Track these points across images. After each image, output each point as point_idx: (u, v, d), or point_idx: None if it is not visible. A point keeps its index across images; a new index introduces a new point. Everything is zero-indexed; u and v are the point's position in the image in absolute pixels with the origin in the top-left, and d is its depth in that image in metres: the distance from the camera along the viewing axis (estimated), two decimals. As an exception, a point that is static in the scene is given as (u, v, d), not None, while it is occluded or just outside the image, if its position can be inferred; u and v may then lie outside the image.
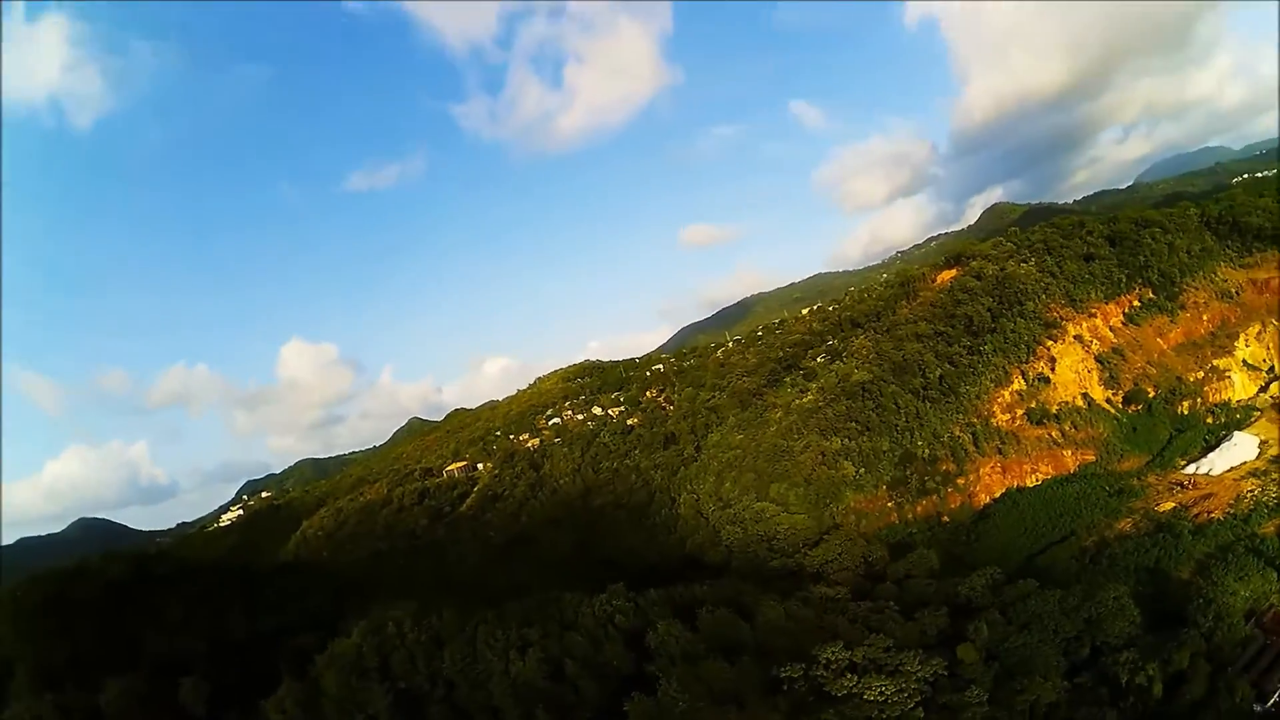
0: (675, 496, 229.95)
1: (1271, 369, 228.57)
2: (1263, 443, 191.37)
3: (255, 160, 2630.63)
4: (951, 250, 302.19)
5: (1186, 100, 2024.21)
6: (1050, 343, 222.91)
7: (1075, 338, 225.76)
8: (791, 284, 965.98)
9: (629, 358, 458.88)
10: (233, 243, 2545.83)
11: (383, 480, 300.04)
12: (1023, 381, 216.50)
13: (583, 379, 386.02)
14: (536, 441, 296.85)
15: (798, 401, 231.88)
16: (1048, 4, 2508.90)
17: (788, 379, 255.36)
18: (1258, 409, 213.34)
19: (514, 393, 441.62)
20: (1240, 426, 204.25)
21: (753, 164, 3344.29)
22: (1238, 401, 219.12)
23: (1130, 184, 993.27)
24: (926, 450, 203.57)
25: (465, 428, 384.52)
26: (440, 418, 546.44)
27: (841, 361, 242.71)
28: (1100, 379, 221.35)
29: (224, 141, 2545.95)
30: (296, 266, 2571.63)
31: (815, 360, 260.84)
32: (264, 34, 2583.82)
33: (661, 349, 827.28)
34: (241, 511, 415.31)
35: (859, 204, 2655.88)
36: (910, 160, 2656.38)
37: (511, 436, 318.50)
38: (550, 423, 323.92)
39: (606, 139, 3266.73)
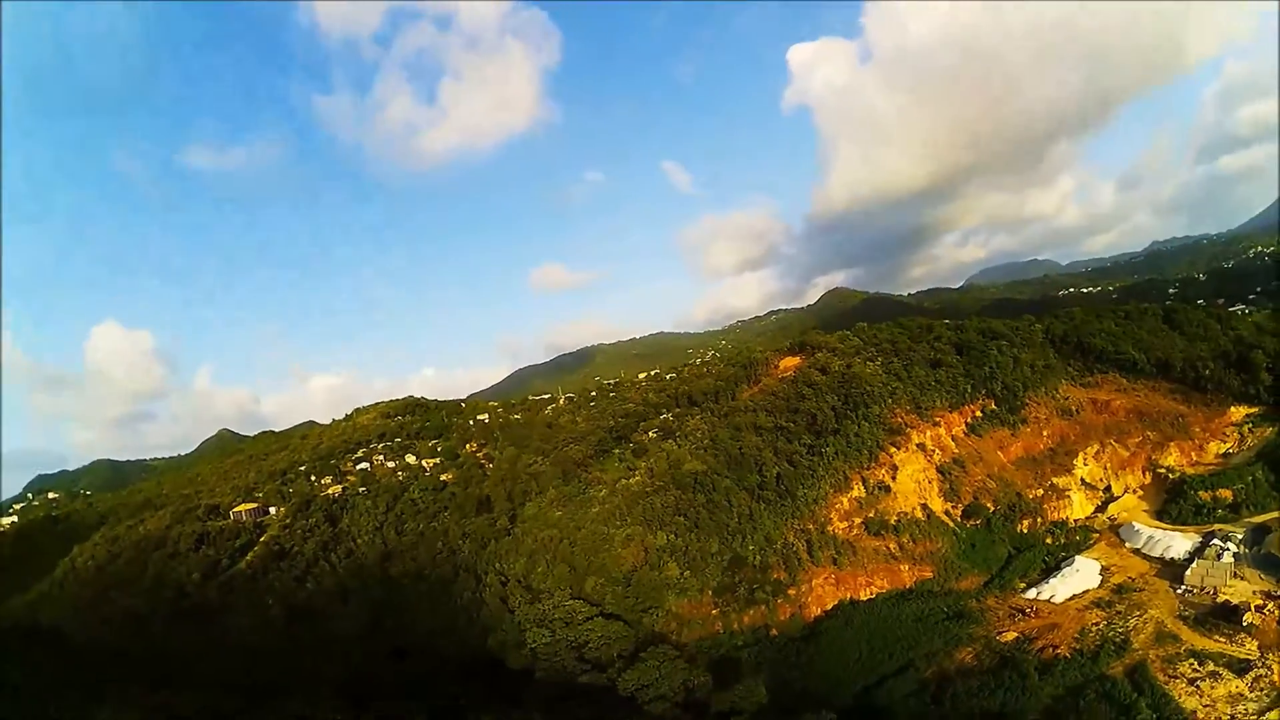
0: (482, 575, 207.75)
1: (1108, 488, 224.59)
2: (1104, 569, 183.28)
3: (86, 115, 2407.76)
4: (791, 327, 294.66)
5: (1026, 215, 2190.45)
6: (893, 449, 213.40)
7: (918, 445, 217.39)
8: (634, 339, 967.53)
9: (456, 398, 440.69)
10: (55, 202, 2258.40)
11: (168, 509, 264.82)
12: (862, 489, 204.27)
13: (404, 417, 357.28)
14: (339, 489, 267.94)
15: (624, 482, 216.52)
16: (916, 111, 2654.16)
17: (616, 451, 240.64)
18: (1096, 530, 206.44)
19: (333, 421, 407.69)
20: (1080, 549, 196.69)
21: (615, 215, 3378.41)
22: (1075, 521, 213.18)
23: (962, 284, 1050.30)
24: (758, 556, 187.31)
25: (270, 455, 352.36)
26: (254, 432, 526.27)
27: (675, 441, 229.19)
28: (941, 490, 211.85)
29: (54, 85, 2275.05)
30: (122, 240, 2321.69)
31: (647, 435, 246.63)
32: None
33: (497, 388, 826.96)
34: (17, 517, 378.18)
35: (710, 270, 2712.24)
36: (764, 236, 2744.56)
37: (314, 478, 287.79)
38: (359, 467, 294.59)
39: (472, 163, 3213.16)
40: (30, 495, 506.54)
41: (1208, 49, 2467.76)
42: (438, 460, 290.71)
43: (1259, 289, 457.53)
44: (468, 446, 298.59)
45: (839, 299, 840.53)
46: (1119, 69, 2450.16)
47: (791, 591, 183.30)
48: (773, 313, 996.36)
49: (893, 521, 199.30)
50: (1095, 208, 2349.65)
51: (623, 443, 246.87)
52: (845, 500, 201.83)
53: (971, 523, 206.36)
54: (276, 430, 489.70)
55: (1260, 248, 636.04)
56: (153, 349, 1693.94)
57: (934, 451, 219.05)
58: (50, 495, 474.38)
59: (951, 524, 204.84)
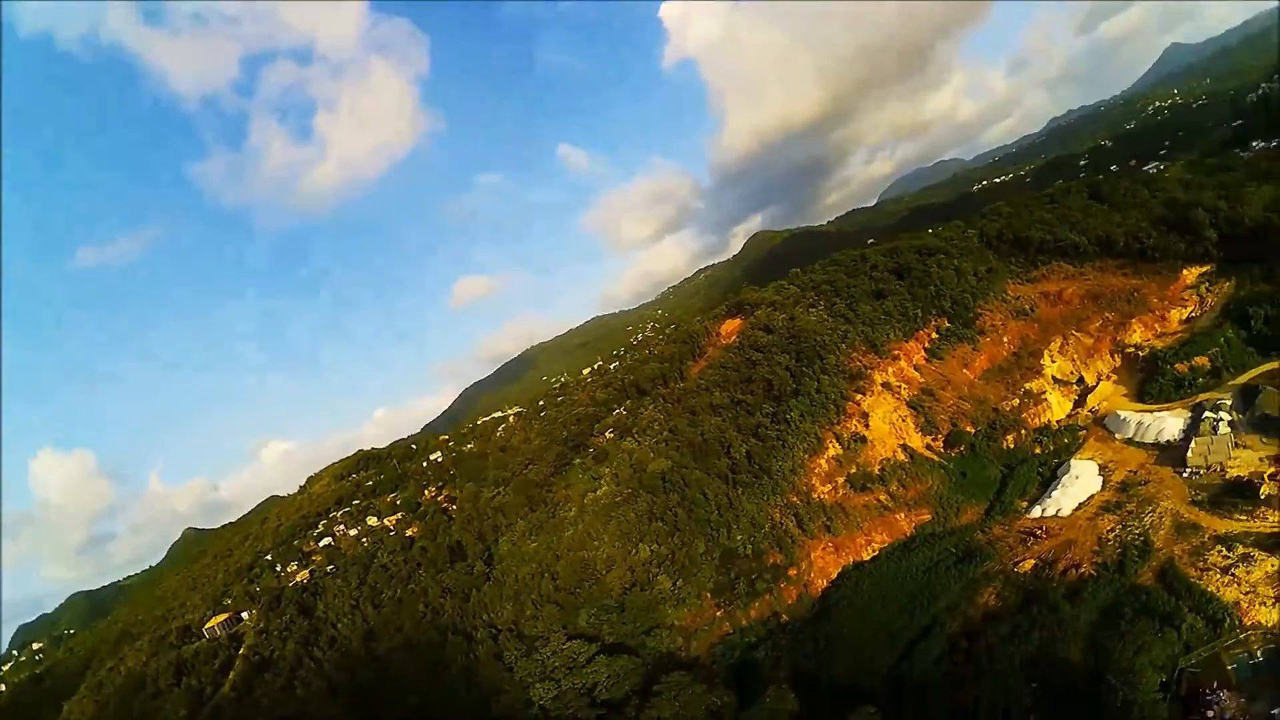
0: (471, 633, 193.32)
1: (1080, 380, 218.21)
2: (1102, 468, 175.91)
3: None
4: (720, 281, 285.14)
5: (925, 120, 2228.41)
6: (859, 396, 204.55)
7: (883, 385, 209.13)
8: (570, 330, 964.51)
9: (411, 434, 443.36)
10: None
11: (144, 639, 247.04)
12: (838, 445, 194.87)
13: (358, 474, 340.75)
14: (306, 574, 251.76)
15: (591, 495, 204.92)
16: (797, 41, 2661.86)
17: (577, 462, 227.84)
18: (1082, 428, 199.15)
19: (290, 496, 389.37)
20: (1071, 452, 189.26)
21: (521, 212, 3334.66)
22: (1058, 422, 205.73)
23: (877, 201, 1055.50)
24: (748, 545, 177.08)
25: (234, 551, 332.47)
26: (219, 523, 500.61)
27: (634, 439, 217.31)
28: (917, 425, 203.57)
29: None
30: (36, 363, 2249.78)
31: (604, 437, 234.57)
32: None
33: (448, 413, 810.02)
34: (3, 684, 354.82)
35: (629, 243, 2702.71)
36: (674, 197, 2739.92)
37: (279, 567, 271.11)
38: (322, 544, 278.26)
39: (365, 191, 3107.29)
40: (16, 652, 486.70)
41: None
42: (400, 515, 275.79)
43: (1167, 143, 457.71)
44: (427, 492, 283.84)
45: (762, 243, 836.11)
46: None
47: (792, 572, 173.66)
48: (700, 271, 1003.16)
49: (876, 471, 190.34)
50: (990, 97, 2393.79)
51: (581, 450, 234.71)
52: (823, 461, 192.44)
53: (956, 451, 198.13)
54: (238, 517, 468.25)
55: (1158, 102, 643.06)
56: (96, 466, 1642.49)
57: (900, 387, 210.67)
58: (35, 646, 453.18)
59: (936, 458, 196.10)
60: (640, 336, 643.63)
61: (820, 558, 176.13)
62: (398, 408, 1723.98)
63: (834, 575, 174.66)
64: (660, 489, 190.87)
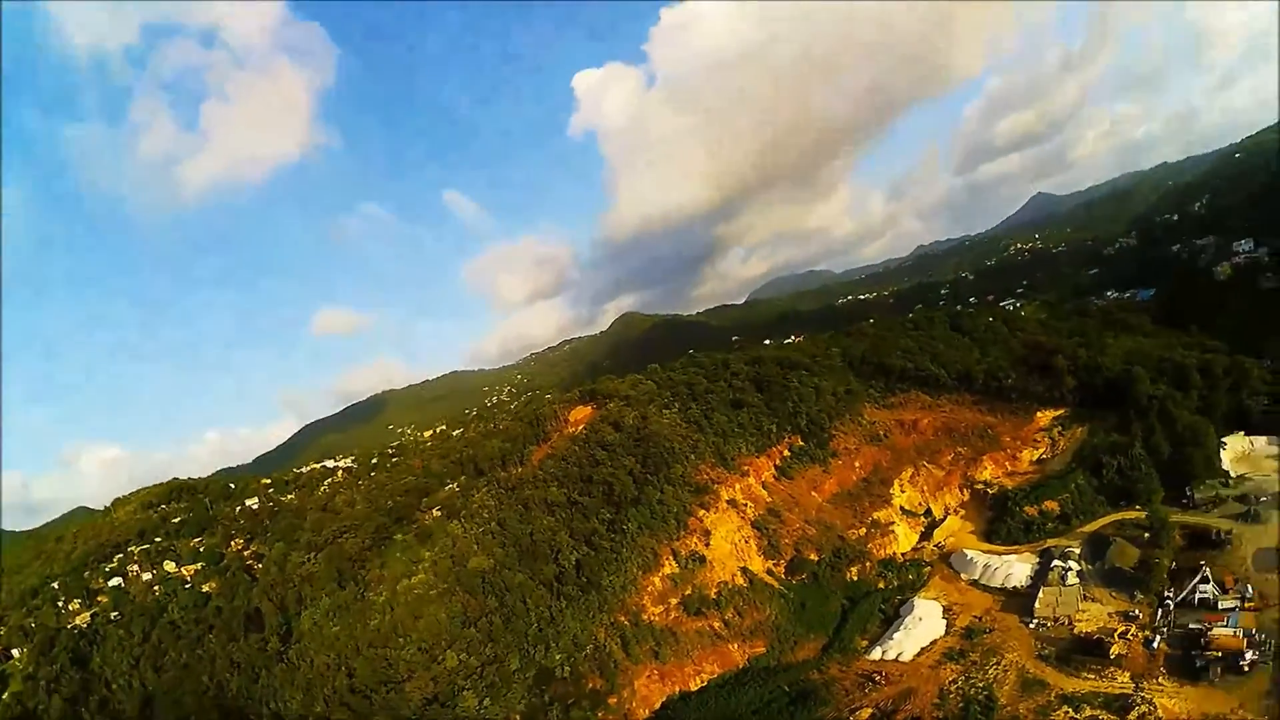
0: None
1: (928, 512, 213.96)
2: (947, 610, 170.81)
3: None
4: (584, 355, 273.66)
5: (806, 229, 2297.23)
6: (703, 512, 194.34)
7: (729, 502, 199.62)
8: (426, 381, 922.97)
9: (229, 475, 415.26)
10: None
11: None
12: (674, 563, 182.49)
13: (167, 506, 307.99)
14: (88, 617, 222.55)
15: (405, 583, 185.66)
16: (699, 133, 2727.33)
17: (398, 538, 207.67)
18: (926, 563, 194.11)
19: (96, 516, 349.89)
20: (915, 588, 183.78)
21: (398, 250, 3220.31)
22: (903, 555, 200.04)
23: (746, 299, 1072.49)
24: (567, 666, 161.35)
25: (24, 568, 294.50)
26: (29, 525, 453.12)
27: (460, 523, 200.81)
28: (760, 548, 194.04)
29: None
30: None
31: (431, 514, 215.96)
32: None
33: (285, 446, 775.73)
34: None
35: (502, 302, 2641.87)
36: (554, 263, 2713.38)
37: (61, 602, 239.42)
38: (112, 583, 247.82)
39: (241, 194, 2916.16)
40: None
41: (972, 69, 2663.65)
42: (200, 566, 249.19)
43: (1025, 282, 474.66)
44: (234, 543, 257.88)
45: (630, 324, 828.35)
46: (891, 85, 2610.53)
47: (612, 700, 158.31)
48: (566, 342, 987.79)
49: (713, 595, 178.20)
50: (868, 217, 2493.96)
51: (404, 525, 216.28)
52: (657, 580, 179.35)
53: (798, 579, 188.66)
54: (44, 523, 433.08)
55: (1019, 244, 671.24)
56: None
57: (746, 505, 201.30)
58: None
59: (777, 584, 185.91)
60: (495, 399, 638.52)
61: (644, 685, 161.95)
62: (233, 430, 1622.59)
63: (657, 706, 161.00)
64: (479, 590, 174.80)
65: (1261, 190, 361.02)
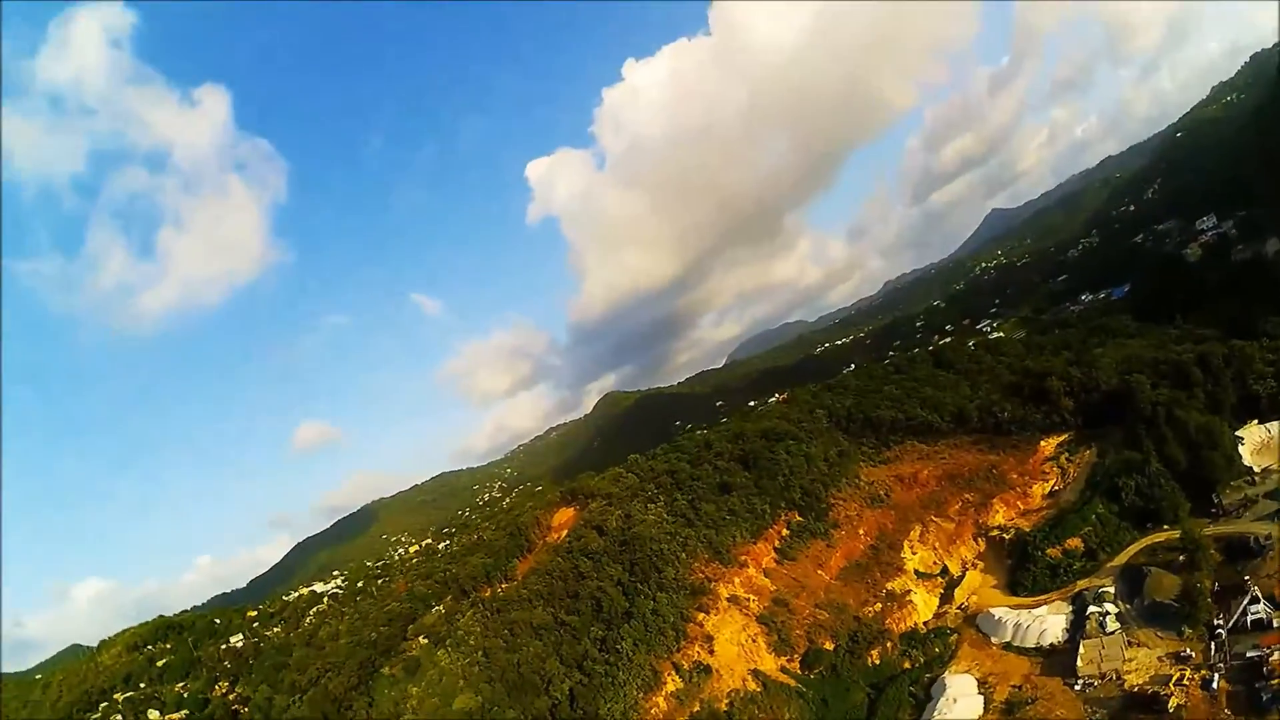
0: None
1: (944, 570, 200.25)
2: (982, 683, 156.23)
3: None
4: (571, 441, 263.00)
5: (772, 283, 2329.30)
6: (702, 615, 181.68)
7: (730, 599, 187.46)
8: (415, 485, 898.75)
9: (221, 598, 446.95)
10: None
11: None
12: (677, 679, 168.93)
13: (154, 646, 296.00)
14: None
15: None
16: (653, 207, 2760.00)
17: (385, 671, 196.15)
18: (952, 630, 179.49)
19: (86, 657, 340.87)
20: (944, 662, 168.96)
21: (370, 358, 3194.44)
22: (926, 624, 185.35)
23: (725, 362, 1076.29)
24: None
25: None
26: (22, 665, 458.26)
27: (448, 650, 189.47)
28: (769, 645, 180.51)
29: None
30: None
31: (418, 642, 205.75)
32: None
33: (280, 567, 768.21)
34: None
35: (482, 397, 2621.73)
36: (531, 352, 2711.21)
37: None
38: None
39: (206, 318, 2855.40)
40: None
41: (906, 104, 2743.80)
42: (185, 713, 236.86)
43: (997, 300, 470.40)
44: (218, 687, 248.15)
45: (613, 403, 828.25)
46: (831, 133, 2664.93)
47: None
48: (552, 429, 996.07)
49: (724, 707, 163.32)
50: (831, 263, 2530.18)
51: (390, 656, 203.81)
52: (661, 700, 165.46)
53: (815, 672, 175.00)
54: (38, 662, 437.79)
55: (983, 263, 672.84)
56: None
57: (749, 599, 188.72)
58: None
59: (794, 683, 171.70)
60: (486, 496, 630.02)
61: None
62: (225, 556, 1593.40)
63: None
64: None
65: (1214, 164, 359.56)
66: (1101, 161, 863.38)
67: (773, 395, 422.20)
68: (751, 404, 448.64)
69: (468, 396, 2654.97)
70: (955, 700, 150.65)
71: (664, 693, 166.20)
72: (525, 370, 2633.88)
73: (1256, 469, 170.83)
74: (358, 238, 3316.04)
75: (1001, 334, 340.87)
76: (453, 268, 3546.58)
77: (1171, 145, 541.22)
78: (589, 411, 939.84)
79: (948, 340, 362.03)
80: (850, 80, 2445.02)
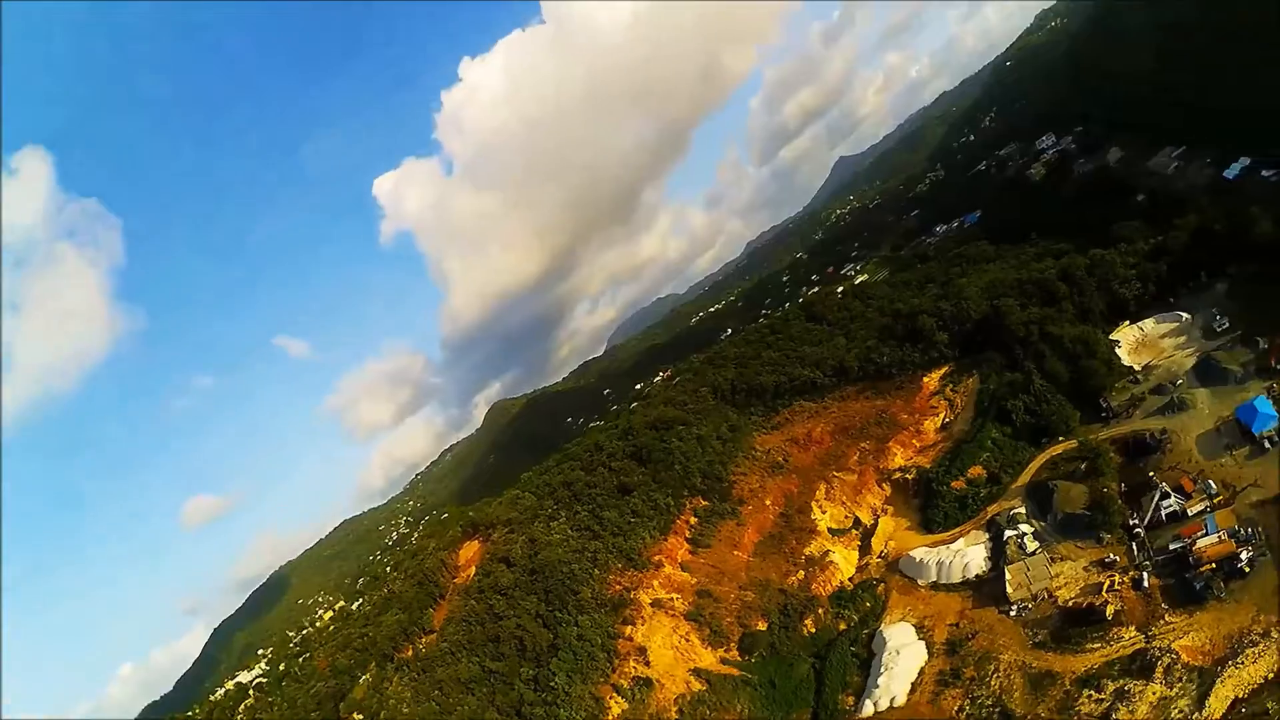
0: None
1: (856, 523, 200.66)
2: (920, 628, 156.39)
3: None
4: (467, 459, 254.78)
5: (639, 262, 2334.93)
6: (629, 629, 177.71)
7: (654, 604, 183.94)
8: (320, 540, 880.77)
9: (152, 707, 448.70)
10: None
11: None
12: (620, 699, 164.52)
13: None
14: None
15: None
16: (509, 203, 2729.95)
17: None
18: (878, 580, 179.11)
19: None
20: (877, 615, 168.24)
21: (247, 413, 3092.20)
22: (851, 581, 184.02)
23: (605, 348, 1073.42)
24: None
25: None
26: None
27: None
28: (703, 640, 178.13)
29: None
30: None
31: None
32: None
33: (201, 661, 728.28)
34: None
35: (369, 431, 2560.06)
36: (409, 375, 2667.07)
37: None
38: None
39: (61, 411, 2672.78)
40: None
41: (745, 69, 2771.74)
42: None
43: (856, 244, 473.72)
44: None
45: (503, 412, 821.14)
46: (677, 105, 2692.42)
47: None
48: (447, 451, 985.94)
49: (674, 716, 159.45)
50: (694, 232, 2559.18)
51: None
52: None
53: (756, 656, 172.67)
54: None
55: (838, 211, 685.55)
56: None
57: (672, 599, 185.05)
58: None
59: (736, 672, 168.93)
60: (395, 533, 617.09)
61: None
62: (146, 661, 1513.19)
63: None
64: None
65: (1044, 88, 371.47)
66: (938, 98, 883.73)
67: (657, 374, 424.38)
68: (638, 386, 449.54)
69: (354, 434, 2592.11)
70: (898, 651, 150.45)
71: (610, 717, 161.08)
72: (407, 395, 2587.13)
73: (1137, 367, 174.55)
74: (208, 288, 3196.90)
75: (866, 276, 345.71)
76: (312, 303, 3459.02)
77: (1003, 73, 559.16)
78: (480, 425, 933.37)
79: (816, 291, 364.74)
80: (689, 51, 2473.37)
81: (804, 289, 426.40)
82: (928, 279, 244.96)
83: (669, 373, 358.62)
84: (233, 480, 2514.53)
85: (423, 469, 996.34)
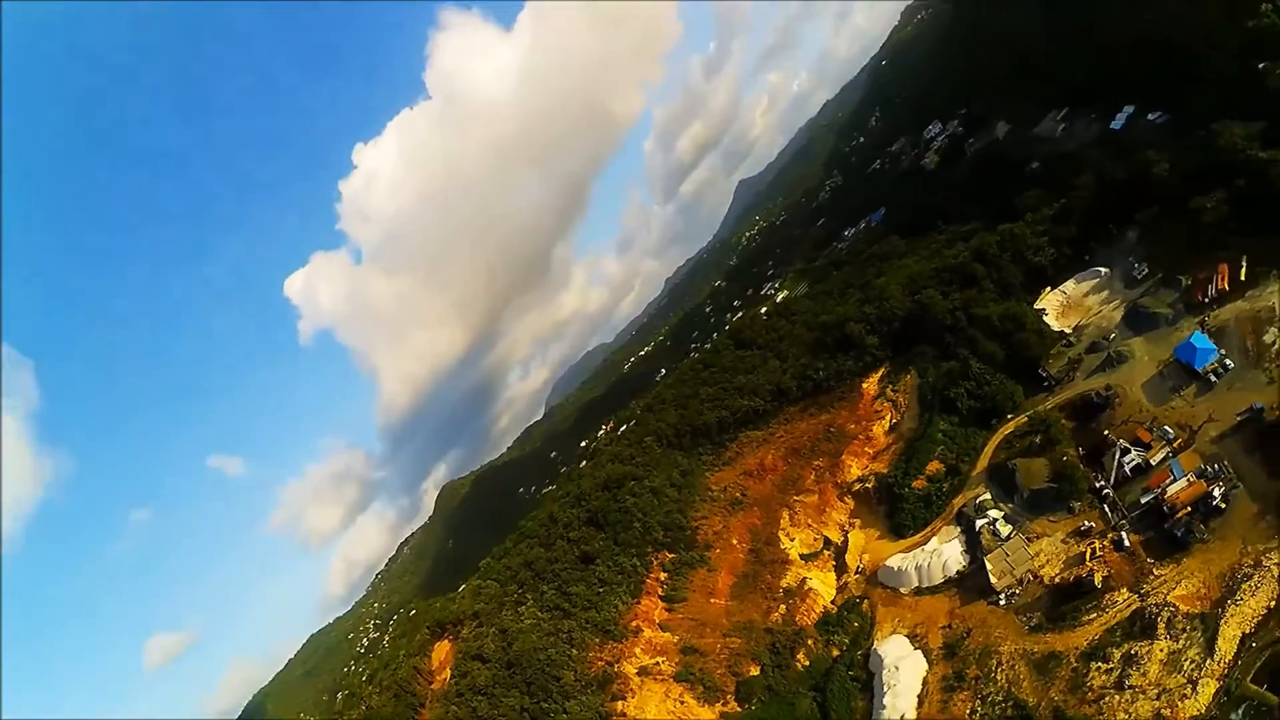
0: None
1: (827, 543, 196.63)
2: (912, 637, 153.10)
3: None
4: (427, 551, 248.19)
5: (563, 319, 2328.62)
6: (620, 704, 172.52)
7: (639, 673, 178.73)
8: (290, 661, 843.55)
9: None
10: None
11: None
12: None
13: None
14: None
15: None
16: (427, 281, 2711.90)
17: None
18: (860, 597, 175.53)
19: None
20: (867, 634, 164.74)
21: (192, 541, 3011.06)
22: (834, 604, 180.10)
23: (544, 411, 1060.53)
24: None
25: None
26: None
27: None
28: (699, 698, 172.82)
29: None
30: None
31: None
32: None
33: None
34: None
35: (322, 538, 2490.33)
36: (352, 473, 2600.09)
37: None
38: None
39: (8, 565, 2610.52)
40: None
41: (635, 108, 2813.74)
42: None
43: (770, 263, 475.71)
44: None
45: (451, 495, 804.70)
46: (572, 158, 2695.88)
47: None
48: (404, 544, 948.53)
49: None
50: (611, 280, 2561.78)
51: None
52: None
53: (755, 703, 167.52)
54: None
55: (747, 233, 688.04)
56: None
57: (658, 664, 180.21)
58: None
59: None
60: (365, 639, 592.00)
61: None
62: None
63: None
64: None
65: (921, 79, 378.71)
66: (823, 108, 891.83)
67: (599, 428, 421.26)
68: (583, 443, 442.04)
69: (307, 544, 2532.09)
70: (897, 666, 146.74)
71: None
72: (354, 494, 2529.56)
73: (1068, 330, 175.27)
74: (133, 419, 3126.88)
75: (786, 292, 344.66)
76: (241, 417, 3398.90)
77: (880, 73, 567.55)
78: (432, 512, 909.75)
79: (740, 317, 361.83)
80: (577, 104, 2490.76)
81: (728, 315, 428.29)
82: (847, 285, 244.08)
83: (610, 424, 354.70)
84: (189, 613, 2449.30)
85: (382, 567, 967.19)
